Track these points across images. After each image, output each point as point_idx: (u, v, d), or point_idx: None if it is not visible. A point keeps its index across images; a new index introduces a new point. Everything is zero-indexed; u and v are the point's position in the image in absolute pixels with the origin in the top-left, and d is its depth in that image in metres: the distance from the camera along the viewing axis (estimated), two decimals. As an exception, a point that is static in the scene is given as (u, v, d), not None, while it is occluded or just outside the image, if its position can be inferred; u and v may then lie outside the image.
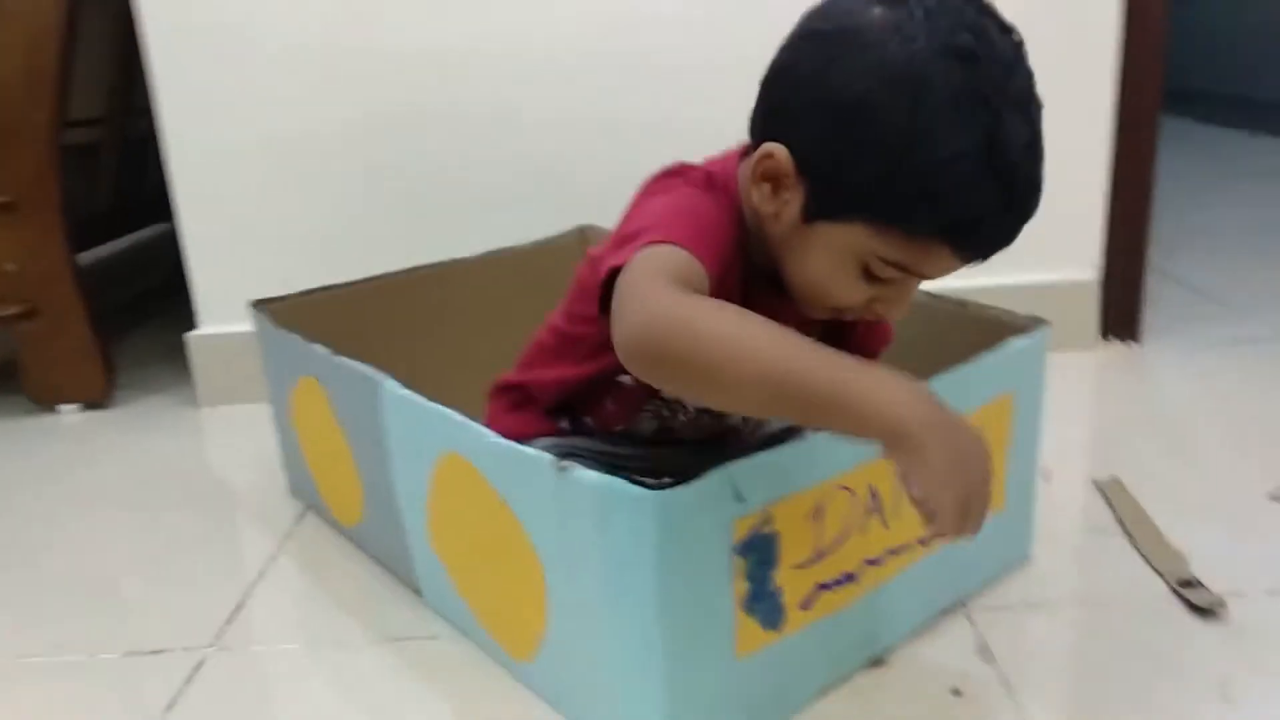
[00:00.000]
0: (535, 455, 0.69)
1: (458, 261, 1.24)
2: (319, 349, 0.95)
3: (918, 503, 0.58)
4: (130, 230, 2.00)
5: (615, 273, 0.64)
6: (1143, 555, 0.93)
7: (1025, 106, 0.65)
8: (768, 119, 0.70)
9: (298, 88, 1.38)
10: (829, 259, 0.69)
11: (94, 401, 1.50)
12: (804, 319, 0.76)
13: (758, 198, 0.70)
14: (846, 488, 0.72)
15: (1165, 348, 1.48)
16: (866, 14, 0.64)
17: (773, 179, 0.69)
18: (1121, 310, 1.47)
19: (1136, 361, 1.45)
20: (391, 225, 1.42)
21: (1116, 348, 1.48)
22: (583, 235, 1.34)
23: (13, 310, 1.43)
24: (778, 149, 0.68)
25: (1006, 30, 0.65)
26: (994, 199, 0.64)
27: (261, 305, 1.09)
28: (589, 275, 0.79)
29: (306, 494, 1.13)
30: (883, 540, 0.77)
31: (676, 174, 0.76)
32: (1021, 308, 0.92)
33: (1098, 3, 1.36)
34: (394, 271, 1.21)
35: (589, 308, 0.75)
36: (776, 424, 0.94)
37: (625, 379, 0.82)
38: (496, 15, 1.35)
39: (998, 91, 0.63)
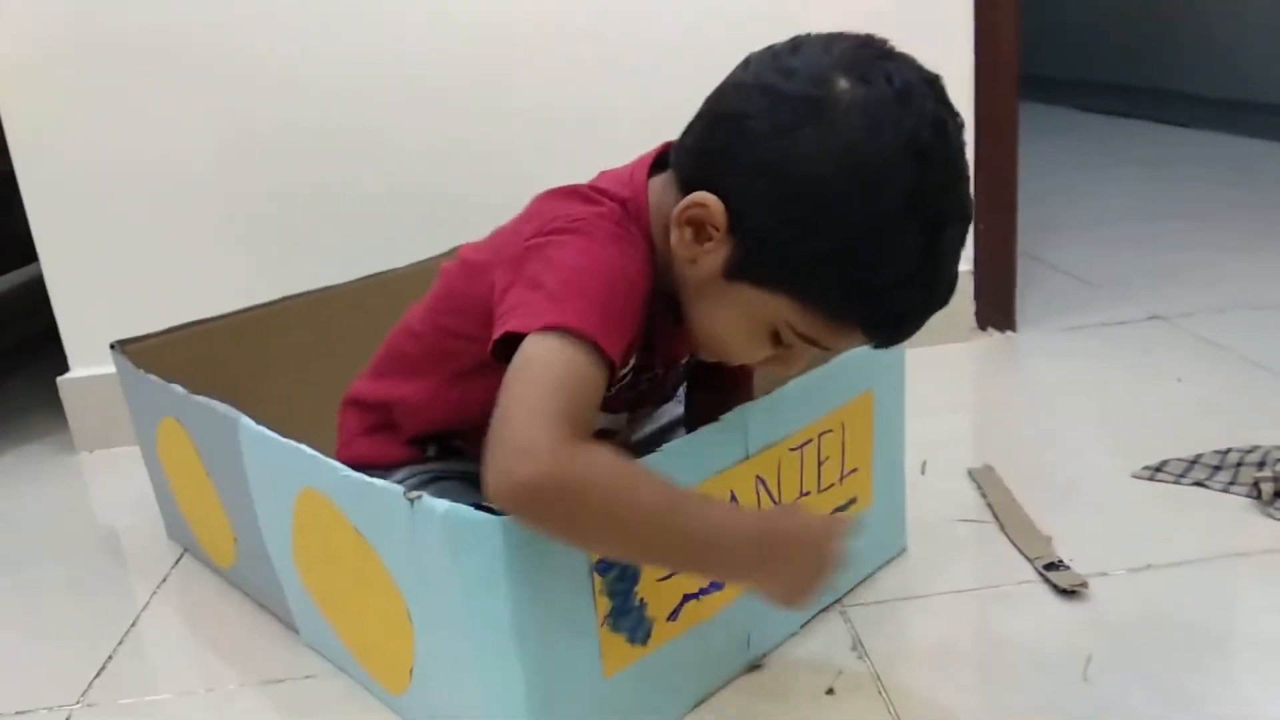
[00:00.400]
0: (384, 487, 0.68)
1: (330, 288, 1.22)
2: (176, 389, 0.93)
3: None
4: (2, 271, 1.92)
5: (510, 336, 0.63)
6: (1011, 540, 0.96)
7: (965, 209, 0.65)
8: (703, 160, 0.66)
9: (156, 112, 1.35)
10: (740, 320, 0.68)
11: (-37, 453, 1.45)
12: (691, 349, 0.77)
13: (676, 240, 0.67)
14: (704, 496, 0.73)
15: (1040, 334, 1.52)
16: (834, 85, 0.61)
17: (698, 226, 0.66)
18: (995, 300, 1.51)
19: (1011, 350, 1.49)
20: (263, 253, 1.39)
21: (993, 337, 1.52)
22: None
23: None
24: (713, 201, 0.64)
25: (956, 118, 0.64)
26: (921, 301, 0.65)
27: (120, 346, 1.06)
28: (463, 284, 0.78)
29: (182, 537, 1.09)
30: (747, 546, 0.77)
31: (588, 199, 0.71)
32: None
33: None
34: (264, 303, 1.19)
35: (465, 326, 0.74)
36: (655, 425, 0.94)
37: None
38: (363, 32, 1.33)
39: (947, 198, 0.63)
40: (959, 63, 1.40)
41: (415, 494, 0.66)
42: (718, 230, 0.65)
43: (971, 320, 1.50)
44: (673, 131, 0.71)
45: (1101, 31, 3.88)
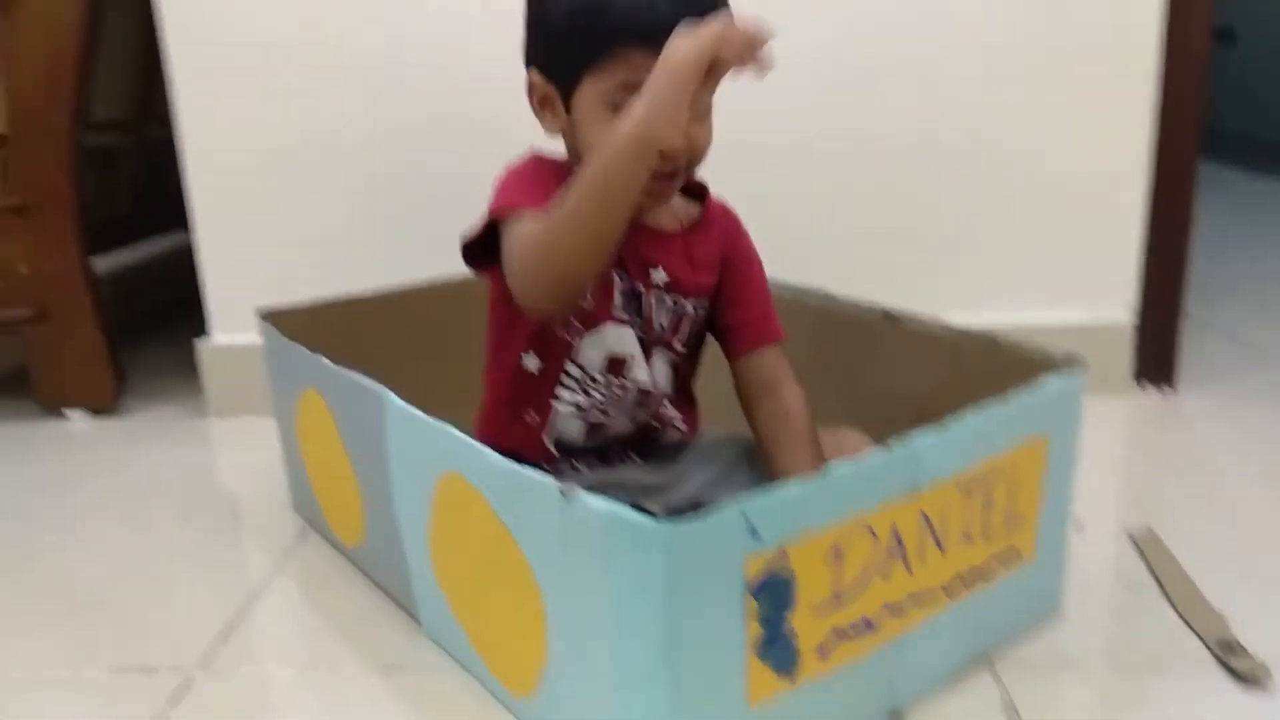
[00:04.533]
0: (539, 479, 0.65)
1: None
2: (323, 360, 0.92)
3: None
4: (150, 236, 1.98)
5: (471, 238, 0.82)
6: (1180, 614, 0.88)
7: None
8: (524, 55, 0.84)
9: (316, 97, 1.37)
10: (592, 123, 0.79)
11: (102, 408, 1.48)
12: (650, 245, 0.85)
13: (545, 126, 0.83)
14: (869, 528, 0.68)
15: (1201, 396, 1.43)
16: None
17: (543, 99, 0.83)
18: (1156, 355, 1.42)
19: (1171, 409, 1.40)
20: (410, 237, 1.39)
21: (1150, 394, 1.43)
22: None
23: (23, 313, 1.41)
24: (531, 72, 0.83)
25: None
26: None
27: (269, 315, 1.06)
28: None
29: (309, 511, 1.09)
30: (905, 586, 0.72)
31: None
32: (1053, 348, 0.88)
33: (1137, 42, 1.33)
34: (409, 284, 1.18)
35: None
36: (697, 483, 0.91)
37: (529, 362, 0.86)
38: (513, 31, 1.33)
39: None
40: (1138, 112, 1.34)
41: (572, 489, 0.63)
42: (547, 87, 0.82)
43: (1129, 374, 1.42)
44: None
45: (1269, 88, 3.68)
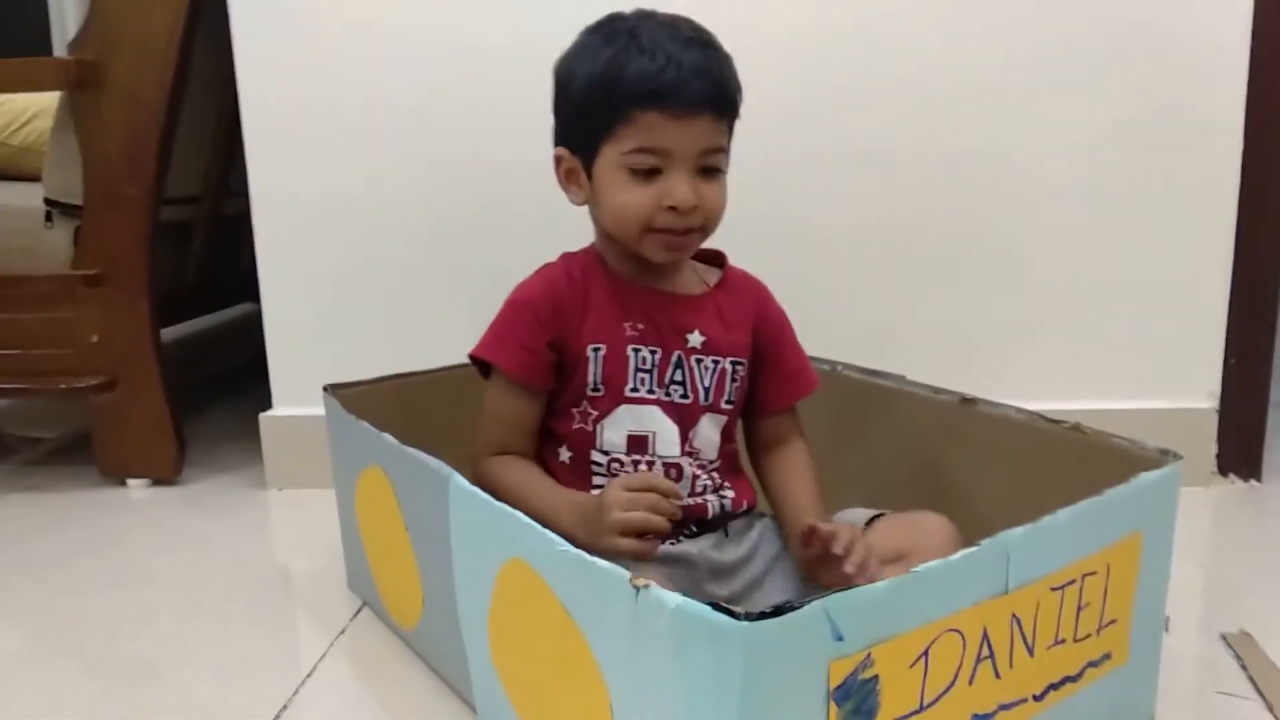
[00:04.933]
0: (608, 568, 0.63)
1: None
2: (387, 438, 0.91)
3: None
4: (216, 308, 2.01)
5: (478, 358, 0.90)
6: (1283, 725, 0.83)
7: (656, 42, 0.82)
8: (553, 136, 0.90)
9: (385, 172, 1.38)
10: (610, 188, 0.84)
11: (163, 478, 1.49)
12: (682, 310, 0.90)
13: (571, 199, 0.89)
14: (956, 630, 0.64)
15: (1289, 487, 1.36)
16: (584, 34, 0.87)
17: (568, 172, 0.88)
18: (1241, 444, 1.37)
19: (1257, 501, 1.34)
20: (474, 319, 1.39)
21: (1235, 484, 1.37)
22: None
23: (92, 381, 1.43)
24: (557, 149, 0.88)
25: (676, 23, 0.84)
26: (645, 62, 0.80)
27: (334, 389, 1.06)
28: None
29: (365, 589, 1.07)
30: (994, 693, 0.68)
31: None
32: (1133, 435, 0.84)
33: (1222, 130, 1.31)
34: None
35: None
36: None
37: (563, 454, 0.89)
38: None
39: (626, 35, 0.83)
40: (1222, 195, 1.33)
41: (644, 581, 0.60)
42: (573, 161, 0.87)
43: (1212, 464, 1.36)
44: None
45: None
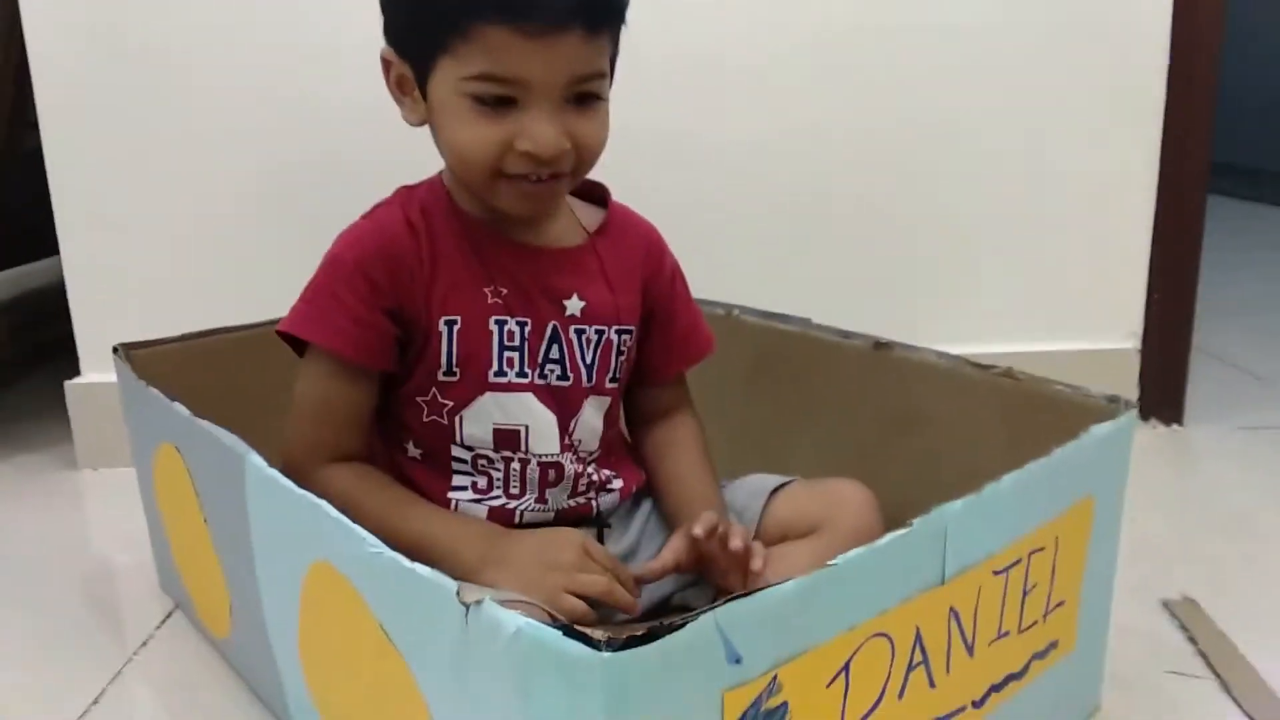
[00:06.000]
0: (430, 577, 0.47)
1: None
2: (178, 408, 0.73)
3: None
4: (21, 261, 1.76)
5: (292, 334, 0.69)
6: (1240, 705, 0.72)
7: None
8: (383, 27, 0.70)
9: (208, 117, 1.19)
10: (448, 117, 0.65)
11: (-45, 459, 1.27)
12: (557, 268, 0.72)
13: (405, 115, 0.69)
14: (884, 634, 0.50)
15: (1211, 432, 1.28)
16: None
17: (399, 81, 0.69)
18: (1163, 388, 1.28)
19: (1180, 446, 1.25)
20: (299, 265, 1.21)
21: (1158, 430, 1.28)
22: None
23: None
24: (384, 49, 0.68)
25: None
26: None
27: (125, 349, 0.87)
28: None
29: (176, 591, 0.89)
30: (929, 705, 0.54)
31: None
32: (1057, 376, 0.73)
33: (1143, 68, 1.22)
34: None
35: None
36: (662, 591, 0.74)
37: (412, 450, 0.72)
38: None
39: None
40: (1144, 139, 1.23)
41: (475, 596, 0.44)
42: (401, 66, 0.67)
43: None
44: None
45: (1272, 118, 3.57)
